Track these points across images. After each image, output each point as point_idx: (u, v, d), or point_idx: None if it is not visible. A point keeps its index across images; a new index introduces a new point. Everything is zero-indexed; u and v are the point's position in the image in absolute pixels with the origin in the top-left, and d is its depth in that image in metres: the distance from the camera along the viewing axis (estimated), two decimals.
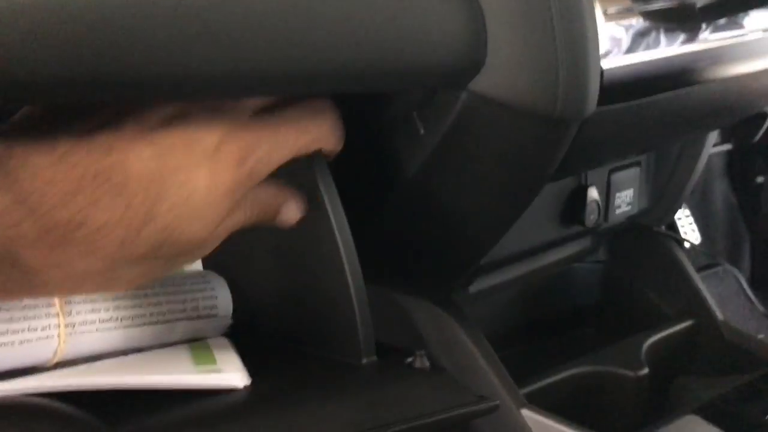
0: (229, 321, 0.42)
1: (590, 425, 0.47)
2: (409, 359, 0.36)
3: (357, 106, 0.42)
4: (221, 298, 0.42)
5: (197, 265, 0.45)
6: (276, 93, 0.33)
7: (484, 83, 0.34)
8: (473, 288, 0.57)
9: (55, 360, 0.34)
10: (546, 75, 0.32)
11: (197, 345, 0.37)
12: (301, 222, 0.38)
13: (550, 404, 0.49)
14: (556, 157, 0.37)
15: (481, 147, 0.37)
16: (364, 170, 0.43)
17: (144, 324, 0.38)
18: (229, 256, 0.46)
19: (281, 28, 0.26)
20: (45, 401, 0.31)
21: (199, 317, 0.41)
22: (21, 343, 0.32)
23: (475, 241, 0.47)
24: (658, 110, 0.41)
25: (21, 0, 0.22)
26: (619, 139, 0.44)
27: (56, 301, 0.34)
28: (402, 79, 0.32)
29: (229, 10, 0.26)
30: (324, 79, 0.29)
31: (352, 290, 0.37)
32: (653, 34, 0.42)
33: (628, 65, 0.37)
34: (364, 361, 0.35)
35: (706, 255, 0.96)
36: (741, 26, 0.49)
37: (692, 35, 0.45)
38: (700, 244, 0.97)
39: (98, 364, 0.34)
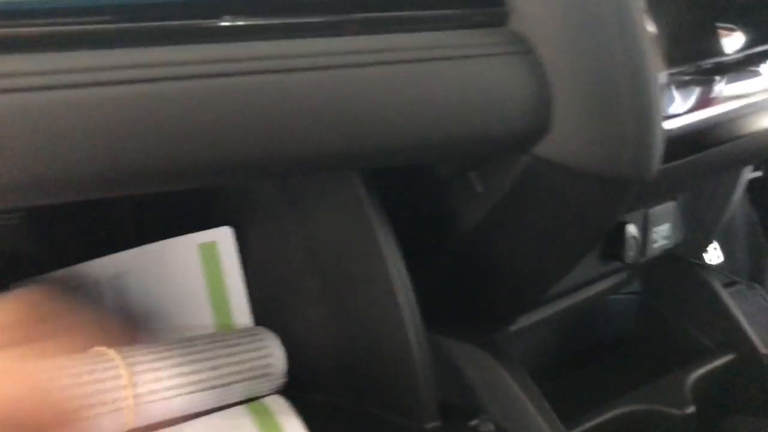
0: (283, 379, 0.42)
1: None
2: (474, 422, 0.36)
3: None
4: (275, 356, 0.42)
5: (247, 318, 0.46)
6: (359, 166, 0.33)
7: (547, 148, 0.34)
8: (513, 327, 0.57)
9: (125, 430, 0.34)
10: (612, 140, 0.32)
11: (259, 410, 0.37)
12: (358, 272, 0.38)
13: None
14: (616, 214, 0.37)
15: (542, 206, 0.37)
16: (418, 222, 0.43)
17: (204, 389, 0.38)
18: (279, 310, 0.47)
19: (369, 110, 0.27)
20: None
21: (254, 377, 0.41)
22: (94, 417, 0.32)
23: (527, 290, 0.47)
24: (710, 161, 0.41)
25: None
26: (671, 187, 0.44)
27: (123, 372, 0.34)
28: (468, 148, 0.32)
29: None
30: (399, 155, 0.29)
31: (413, 347, 0.37)
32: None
33: (687, 124, 0.37)
34: (428, 426, 0.35)
35: (728, 274, 0.96)
36: (758, 73, 0.49)
37: (708, 88, 0.45)
38: (722, 263, 0.97)
39: None
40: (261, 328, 0.44)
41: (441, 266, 0.45)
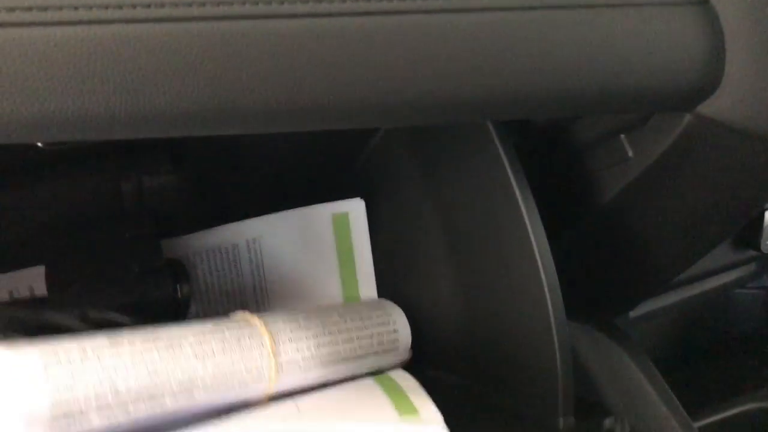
0: (408, 354, 0.43)
1: None
2: (608, 421, 0.36)
3: (552, 125, 0.40)
4: (402, 331, 0.43)
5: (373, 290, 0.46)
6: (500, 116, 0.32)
7: (714, 107, 0.31)
8: (634, 313, 0.56)
9: (265, 397, 0.35)
10: None
11: (386, 383, 0.38)
12: (495, 246, 0.37)
13: None
14: None
15: (698, 171, 0.35)
16: (552, 190, 0.41)
17: (337, 361, 0.39)
18: (405, 282, 0.47)
19: (518, 54, 0.26)
20: None
21: (383, 351, 0.41)
22: (239, 384, 0.34)
23: (659, 271, 0.44)
24: None
25: None
26: None
27: (268, 342, 0.35)
28: (625, 103, 0.30)
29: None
30: (548, 105, 0.28)
31: (554, 331, 0.35)
32: None
33: None
34: (561, 422, 0.35)
35: None
36: None
37: None
38: None
39: (306, 405, 0.35)
40: (389, 302, 0.44)
41: (570, 240, 0.43)
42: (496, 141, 0.37)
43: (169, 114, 0.23)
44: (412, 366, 0.43)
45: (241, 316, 0.36)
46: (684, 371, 0.60)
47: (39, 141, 0.27)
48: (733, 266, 0.60)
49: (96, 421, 0.29)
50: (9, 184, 0.36)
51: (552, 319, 0.36)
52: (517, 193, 0.36)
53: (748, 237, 0.57)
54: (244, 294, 0.44)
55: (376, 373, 0.41)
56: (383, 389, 0.37)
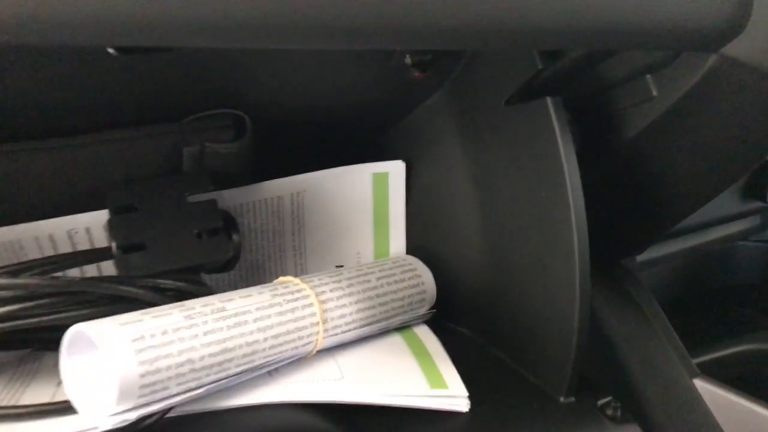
0: (431, 313, 0.47)
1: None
2: (603, 401, 0.40)
3: (576, 63, 0.40)
4: (428, 290, 0.46)
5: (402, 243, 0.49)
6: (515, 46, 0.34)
7: (740, 47, 0.32)
8: (640, 258, 0.56)
9: (310, 355, 0.39)
10: None
11: (426, 360, 0.41)
12: (531, 211, 0.39)
13: (720, 378, 0.48)
14: None
15: (718, 111, 0.36)
16: (574, 129, 0.41)
17: (373, 323, 0.42)
18: (435, 241, 0.50)
19: None
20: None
21: (411, 310, 0.45)
22: (292, 348, 0.37)
23: (675, 208, 0.46)
24: None
25: None
26: None
27: (317, 311, 0.38)
28: (656, 40, 0.31)
29: None
30: (583, 36, 0.28)
31: (577, 309, 0.38)
32: None
33: None
34: (562, 399, 0.39)
35: None
36: None
37: None
38: None
39: (346, 367, 0.39)
40: (419, 262, 0.47)
41: (592, 180, 0.46)
42: (550, 107, 0.37)
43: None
44: (433, 320, 0.47)
45: (294, 284, 0.39)
46: (683, 317, 0.63)
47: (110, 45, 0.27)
48: (739, 217, 0.62)
49: (173, 389, 0.33)
50: (74, 140, 0.37)
51: (578, 297, 0.38)
52: (564, 158, 0.37)
53: (755, 188, 0.59)
54: (283, 242, 0.47)
55: (403, 328, 0.46)
56: (417, 360, 0.41)
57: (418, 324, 0.46)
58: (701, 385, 0.45)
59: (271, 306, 0.37)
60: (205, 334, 0.33)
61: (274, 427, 0.35)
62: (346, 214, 0.47)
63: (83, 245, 0.42)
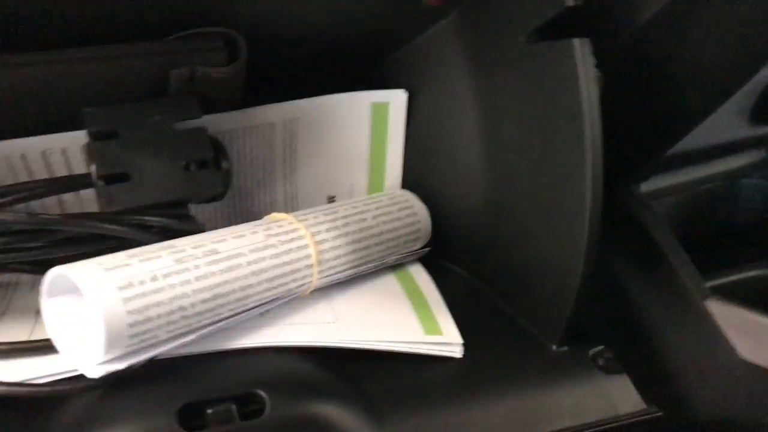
0: (426, 250, 0.45)
1: None
2: (594, 351, 0.40)
3: None
4: (424, 228, 0.45)
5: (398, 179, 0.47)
6: None
7: None
8: (645, 187, 0.53)
9: (303, 294, 0.38)
10: None
11: (420, 305, 0.40)
12: (538, 150, 0.37)
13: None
14: None
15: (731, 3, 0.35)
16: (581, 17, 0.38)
17: (368, 263, 0.41)
18: (433, 176, 0.47)
19: None
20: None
21: (406, 247, 0.44)
22: (287, 290, 0.36)
23: (676, 119, 0.45)
24: None
25: None
26: None
27: (313, 252, 0.36)
28: None
29: None
30: None
31: (582, 259, 0.36)
32: None
33: None
34: (554, 348, 0.39)
35: None
36: None
37: None
38: None
39: (341, 311, 0.37)
40: (414, 198, 0.45)
41: None
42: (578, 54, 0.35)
43: None
44: (427, 256, 0.46)
45: (288, 223, 0.37)
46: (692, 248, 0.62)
47: None
48: (744, 147, 0.60)
49: (163, 336, 0.31)
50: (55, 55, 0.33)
51: (585, 244, 0.36)
52: (587, 113, 0.34)
53: (764, 111, 0.57)
54: (274, 171, 0.44)
55: (397, 267, 0.44)
56: (412, 304, 0.40)
57: (413, 263, 0.45)
58: (714, 305, 0.44)
59: (266, 248, 0.35)
60: (197, 279, 0.31)
61: (265, 370, 0.34)
62: (341, 144, 0.45)
63: (59, 168, 0.39)
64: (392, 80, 0.45)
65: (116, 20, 0.34)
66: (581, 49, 0.34)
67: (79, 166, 0.39)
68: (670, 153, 0.51)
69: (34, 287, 0.40)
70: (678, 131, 0.47)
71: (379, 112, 0.44)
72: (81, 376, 0.30)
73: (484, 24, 0.40)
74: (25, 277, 0.40)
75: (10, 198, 0.33)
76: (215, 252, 0.33)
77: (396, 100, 0.44)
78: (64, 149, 0.38)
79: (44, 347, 0.32)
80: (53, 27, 0.32)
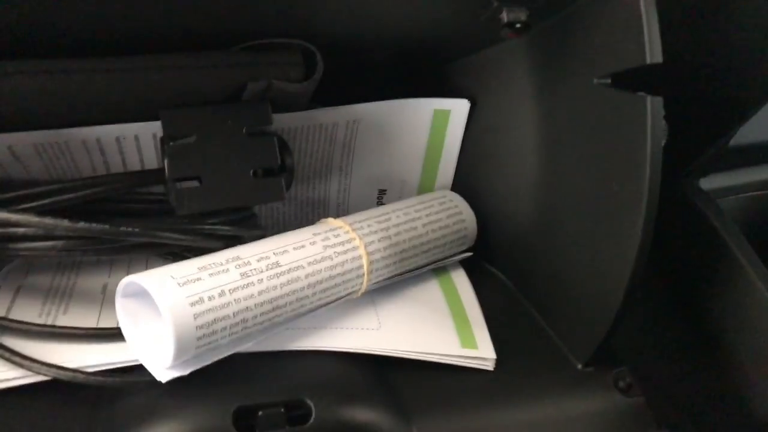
0: (468, 255, 0.47)
1: None
2: (616, 372, 0.41)
3: None
4: (469, 234, 0.46)
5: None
6: None
7: None
8: (705, 184, 0.50)
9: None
10: None
11: (460, 321, 0.42)
12: (600, 167, 0.38)
13: None
14: None
15: None
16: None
17: (413, 269, 0.43)
18: (484, 179, 0.48)
19: None
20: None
21: (451, 252, 0.45)
22: (337, 298, 0.38)
23: (737, 101, 0.43)
24: None
25: None
26: None
27: (365, 263, 0.38)
28: None
29: None
30: None
31: (619, 302, 0.37)
32: None
33: None
34: (579, 367, 0.41)
35: None
36: None
37: None
38: None
39: (385, 318, 0.40)
40: (462, 202, 0.46)
41: None
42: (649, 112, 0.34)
43: None
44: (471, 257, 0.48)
45: (344, 232, 0.39)
46: None
47: None
48: None
49: (224, 343, 0.33)
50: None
51: (626, 286, 0.37)
52: (648, 165, 0.34)
53: None
54: (331, 163, 0.45)
55: (440, 271, 0.46)
56: (452, 315, 0.41)
57: (455, 268, 0.47)
58: None
59: (323, 260, 0.37)
60: (259, 293, 0.33)
61: (312, 376, 0.36)
62: (399, 145, 0.45)
63: (131, 152, 0.40)
64: (452, 86, 0.45)
65: (193, 28, 0.34)
66: (653, 107, 0.34)
67: (150, 150, 0.41)
68: (734, 146, 0.49)
69: (98, 264, 0.43)
70: (737, 117, 0.44)
71: (440, 119, 0.45)
72: (145, 370, 0.33)
73: (557, 54, 0.40)
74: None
75: (88, 191, 0.35)
76: (277, 265, 0.35)
77: (458, 108, 0.44)
78: (137, 136, 0.40)
79: (113, 335, 0.35)
80: (131, 33, 0.33)
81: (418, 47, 0.42)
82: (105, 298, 0.39)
